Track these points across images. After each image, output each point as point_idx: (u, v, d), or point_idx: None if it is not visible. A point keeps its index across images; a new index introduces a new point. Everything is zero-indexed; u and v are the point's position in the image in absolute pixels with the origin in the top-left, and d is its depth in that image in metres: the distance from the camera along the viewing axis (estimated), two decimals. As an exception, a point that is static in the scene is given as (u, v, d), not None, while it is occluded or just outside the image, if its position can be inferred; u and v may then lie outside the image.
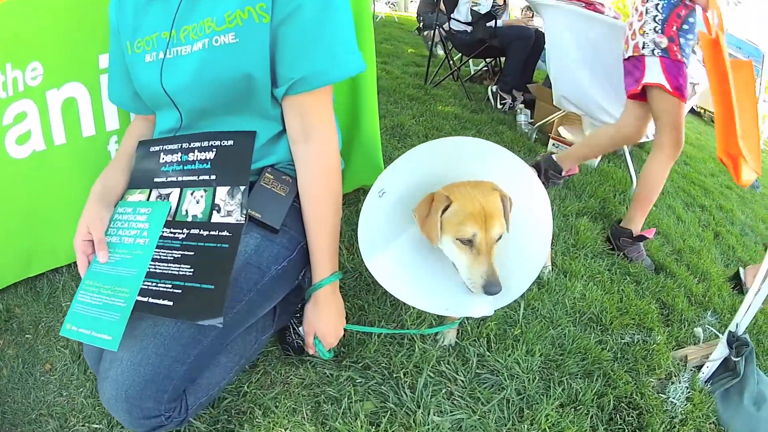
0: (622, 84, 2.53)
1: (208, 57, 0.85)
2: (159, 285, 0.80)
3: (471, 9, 3.72)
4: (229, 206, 0.85)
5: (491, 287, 0.88)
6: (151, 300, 0.79)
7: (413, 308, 1.35)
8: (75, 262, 1.03)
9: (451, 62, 3.88)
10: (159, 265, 0.83)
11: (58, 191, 1.44)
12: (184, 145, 0.92)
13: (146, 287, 0.81)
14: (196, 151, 0.91)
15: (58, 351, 1.23)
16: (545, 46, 2.92)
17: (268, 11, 0.82)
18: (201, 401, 0.93)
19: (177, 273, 0.81)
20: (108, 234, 0.89)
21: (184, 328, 0.81)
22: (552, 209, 2.00)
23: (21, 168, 1.39)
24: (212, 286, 0.77)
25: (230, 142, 0.89)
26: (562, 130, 2.81)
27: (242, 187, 0.85)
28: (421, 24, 7.00)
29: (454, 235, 0.90)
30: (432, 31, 4.39)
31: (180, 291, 0.78)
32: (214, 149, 0.89)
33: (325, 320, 0.98)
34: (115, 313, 0.78)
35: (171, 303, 0.78)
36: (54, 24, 1.36)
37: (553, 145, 2.86)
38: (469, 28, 3.69)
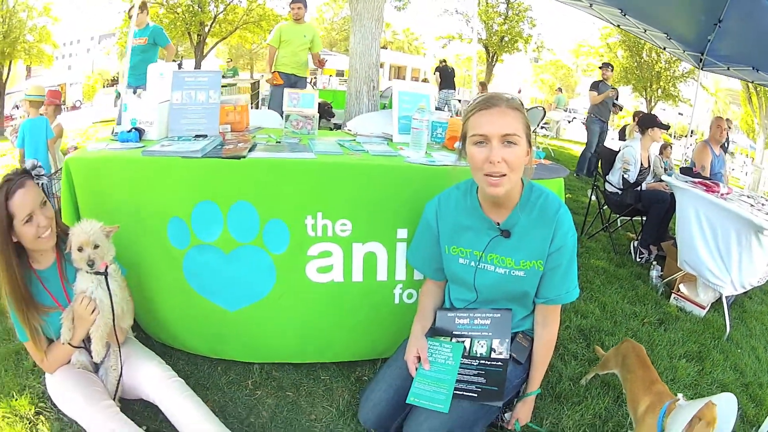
0: (728, 254, 3.43)
1: (507, 279, 1.50)
2: (467, 386, 1.45)
3: (622, 176, 4.82)
4: (500, 349, 1.53)
5: None
6: (465, 393, 1.45)
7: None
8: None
9: (603, 218, 5.07)
10: (465, 376, 1.48)
11: (343, 313, 1.88)
12: (471, 314, 1.61)
13: (459, 387, 1.45)
14: (478, 318, 1.59)
15: (323, 408, 1.66)
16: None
17: (544, 265, 1.48)
18: None
19: (476, 381, 1.46)
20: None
21: (477, 407, 1.44)
22: (660, 353, 2.93)
23: (318, 289, 1.82)
24: (496, 388, 1.44)
25: (498, 315, 1.58)
26: (682, 287, 3.83)
27: (507, 340, 1.54)
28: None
29: None
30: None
31: (480, 389, 1.45)
32: (489, 318, 1.58)
33: (528, 411, 1.67)
34: (442, 396, 1.42)
35: (476, 395, 1.44)
36: (364, 197, 1.74)
37: (674, 298, 3.86)
38: (619, 191, 4.82)
